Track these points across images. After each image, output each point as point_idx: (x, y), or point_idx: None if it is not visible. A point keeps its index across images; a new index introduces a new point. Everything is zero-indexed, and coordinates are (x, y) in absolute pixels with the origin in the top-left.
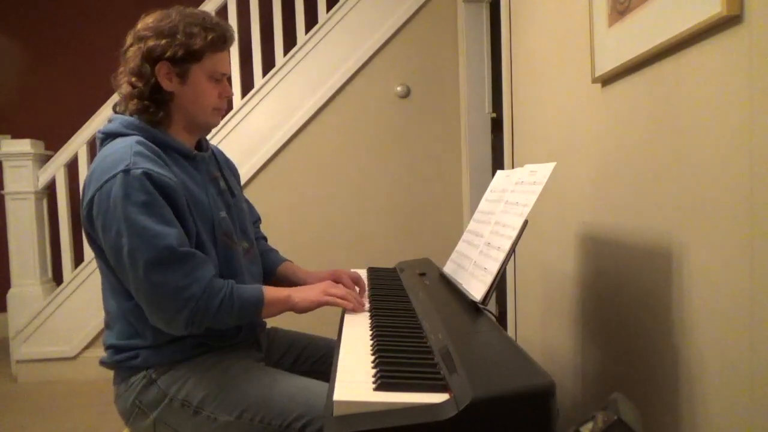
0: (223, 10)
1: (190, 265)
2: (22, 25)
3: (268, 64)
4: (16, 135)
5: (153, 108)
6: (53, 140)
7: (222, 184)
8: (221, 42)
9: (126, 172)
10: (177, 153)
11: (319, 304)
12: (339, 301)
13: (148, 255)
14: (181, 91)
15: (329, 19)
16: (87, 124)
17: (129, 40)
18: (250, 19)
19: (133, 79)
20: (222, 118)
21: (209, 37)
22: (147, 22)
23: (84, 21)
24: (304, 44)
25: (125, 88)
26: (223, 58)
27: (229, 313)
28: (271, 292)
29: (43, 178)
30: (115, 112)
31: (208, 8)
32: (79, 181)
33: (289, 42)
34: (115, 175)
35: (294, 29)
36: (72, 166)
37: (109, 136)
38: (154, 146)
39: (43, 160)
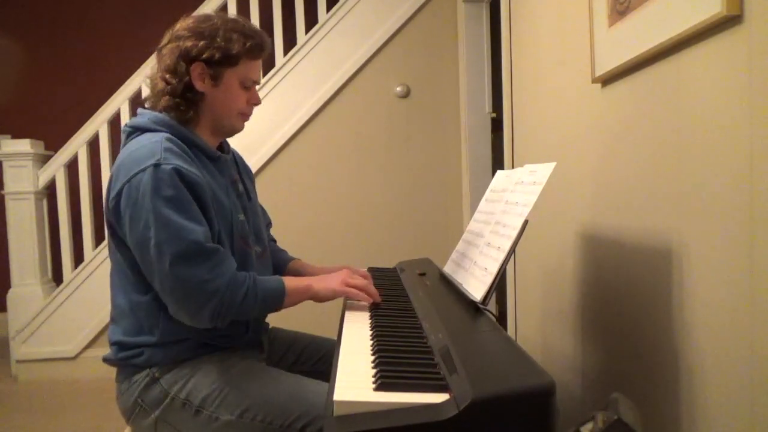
0: (222, 10)
1: (215, 259)
2: (22, 25)
3: (268, 64)
4: (16, 135)
5: (183, 106)
6: (53, 140)
7: (240, 187)
8: (258, 50)
9: (156, 166)
10: (202, 153)
11: (340, 294)
12: (360, 294)
13: (175, 248)
14: (212, 92)
15: (329, 19)
16: (87, 124)
17: (166, 38)
18: (250, 20)
19: (168, 76)
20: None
21: (248, 44)
22: (187, 23)
23: (84, 21)
24: (304, 44)
25: (159, 84)
26: (256, 66)
27: (253, 305)
28: (291, 282)
29: (43, 178)
30: (144, 108)
31: (208, 8)
32: (79, 181)
33: (289, 42)
34: (145, 169)
35: (294, 29)
36: (72, 166)
37: (136, 130)
38: (181, 144)
39: (43, 160)
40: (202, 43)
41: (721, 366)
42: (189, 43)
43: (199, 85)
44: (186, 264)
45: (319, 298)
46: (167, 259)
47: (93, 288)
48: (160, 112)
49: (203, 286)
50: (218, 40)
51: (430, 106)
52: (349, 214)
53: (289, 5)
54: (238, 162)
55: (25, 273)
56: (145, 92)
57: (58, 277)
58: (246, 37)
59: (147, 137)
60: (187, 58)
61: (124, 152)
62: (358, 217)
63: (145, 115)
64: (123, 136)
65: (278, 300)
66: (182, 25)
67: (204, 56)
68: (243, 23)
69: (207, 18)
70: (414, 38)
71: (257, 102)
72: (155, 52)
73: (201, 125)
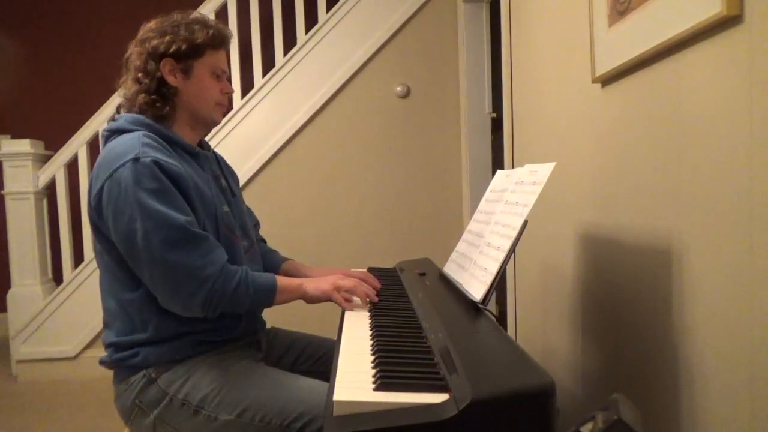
0: (223, 10)
1: (205, 246)
2: (22, 25)
3: (268, 64)
4: (16, 135)
5: (159, 102)
6: (53, 140)
7: (223, 182)
8: (220, 38)
9: (136, 160)
10: (181, 149)
11: (329, 297)
12: (345, 305)
13: (164, 235)
14: (184, 86)
15: (329, 19)
16: (87, 124)
17: (131, 47)
18: (250, 19)
19: (140, 75)
20: (224, 116)
21: (210, 33)
22: (149, 26)
23: (84, 21)
24: (304, 44)
25: (131, 87)
26: (222, 56)
27: (244, 297)
28: (283, 279)
29: (43, 178)
30: (119, 113)
31: (208, 8)
32: (79, 181)
33: (289, 42)
34: (124, 163)
35: (294, 29)
36: (72, 166)
37: (114, 133)
38: (160, 140)
39: (43, 160)
40: (167, 38)
41: (721, 366)
42: (154, 42)
43: (171, 80)
44: (176, 250)
45: (309, 298)
46: (157, 247)
47: (93, 288)
48: (138, 112)
49: (195, 272)
50: (181, 32)
51: (430, 106)
52: (349, 214)
53: (289, 5)
54: (219, 161)
55: (25, 273)
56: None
57: (58, 277)
58: (207, 27)
59: (125, 136)
60: (155, 55)
61: (102, 152)
62: (358, 217)
63: (121, 118)
64: (102, 141)
65: (269, 295)
66: (145, 29)
67: (171, 50)
68: (203, 17)
69: (167, 17)
70: (414, 38)
71: (230, 91)
72: (123, 64)
73: (179, 121)
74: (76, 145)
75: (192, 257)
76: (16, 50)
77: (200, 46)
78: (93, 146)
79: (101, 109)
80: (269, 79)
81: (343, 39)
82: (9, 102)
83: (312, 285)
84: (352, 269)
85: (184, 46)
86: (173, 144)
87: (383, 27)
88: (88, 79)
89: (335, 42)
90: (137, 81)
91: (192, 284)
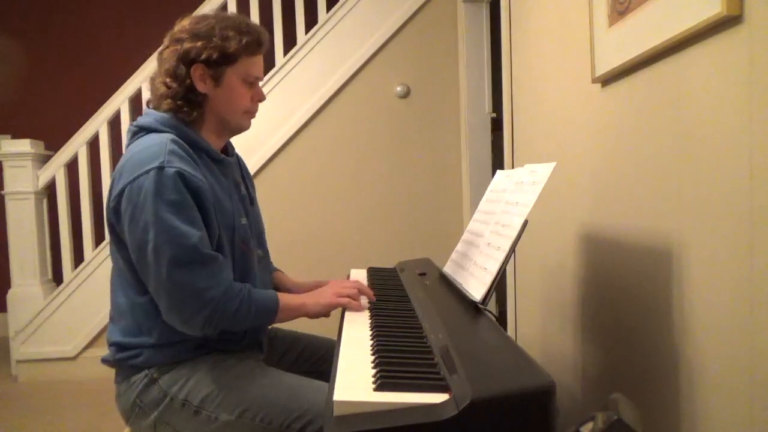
0: (222, 10)
1: (213, 267)
2: (22, 25)
3: (268, 63)
4: (16, 135)
5: (187, 107)
6: (53, 140)
7: (243, 190)
8: (255, 46)
9: (160, 169)
10: (207, 155)
11: (334, 307)
12: (353, 303)
13: (173, 253)
14: (214, 93)
15: (329, 19)
16: (87, 124)
17: (166, 41)
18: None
19: (168, 80)
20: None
21: (244, 41)
22: (184, 24)
23: (84, 22)
24: (304, 44)
25: (161, 89)
26: (256, 62)
27: (245, 317)
28: (285, 298)
29: (43, 178)
30: (148, 107)
31: (207, 8)
32: (79, 181)
33: (289, 42)
34: (148, 171)
35: (294, 29)
36: (72, 166)
37: (141, 130)
38: (186, 146)
39: (43, 160)
40: (199, 43)
41: (721, 366)
42: (187, 45)
43: (201, 87)
44: (183, 269)
45: (312, 315)
46: (165, 263)
47: (93, 288)
48: (165, 113)
49: (200, 293)
50: (215, 39)
51: (430, 106)
52: (349, 214)
53: (289, 5)
54: (241, 165)
55: (25, 273)
56: (146, 93)
57: (58, 277)
58: (242, 33)
59: (152, 138)
60: (186, 60)
61: (128, 153)
62: (358, 217)
63: (150, 115)
64: (128, 135)
65: (270, 315)
66: (180, 26)
67: (203, 57)
68: (239, 20)
69: (203, 18)
70: (414, 38)
71: (262, 98)
72: (156, 55)
73: (206, 126)
74: (76, 145)
75: (197, 278)
76: (17, 50)
77: (232, 55)
78: (93, 146)
79: (101, 109)
80: (269, 79)
81: (343, 39)
82: (9, 102)
83: (313, 301)
84: (352, 270)
85: (215, 55)
86: (199, 149)
87: (383, 27)
88: (88, 79)
89: (335, 42)
90: (166, 85)
91: (194, 305)
